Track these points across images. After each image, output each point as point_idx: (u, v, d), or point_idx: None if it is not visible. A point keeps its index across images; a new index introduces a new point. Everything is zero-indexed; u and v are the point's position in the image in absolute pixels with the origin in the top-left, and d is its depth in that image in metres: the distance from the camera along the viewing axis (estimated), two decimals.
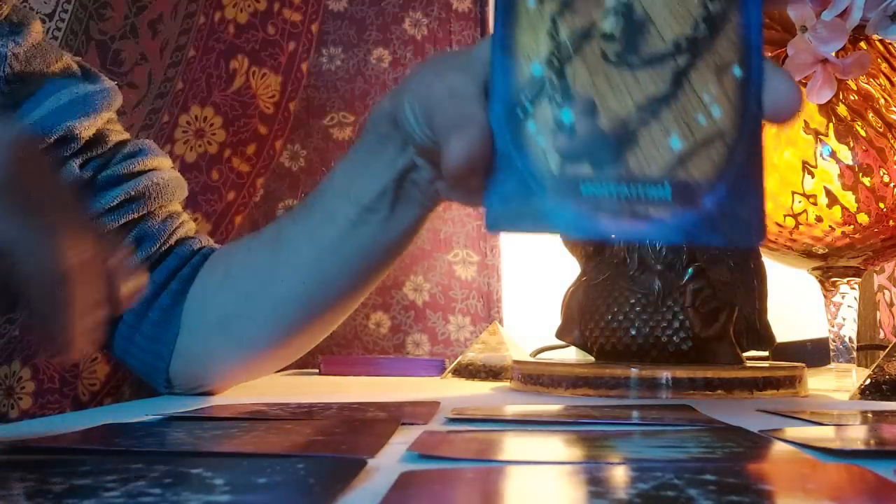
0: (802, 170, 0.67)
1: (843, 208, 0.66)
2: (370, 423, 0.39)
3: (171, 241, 0.56)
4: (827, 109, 0.67)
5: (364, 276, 0.51)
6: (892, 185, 0.66)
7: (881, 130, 0.66)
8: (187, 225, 0.58)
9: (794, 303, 0.86)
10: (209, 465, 0.26)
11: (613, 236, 0.32)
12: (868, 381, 0.56)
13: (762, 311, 0.63)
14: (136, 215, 0.54)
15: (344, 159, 0.48)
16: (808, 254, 0.70)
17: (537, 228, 0.32)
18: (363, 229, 0.47)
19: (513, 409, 0.49)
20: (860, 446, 0.34)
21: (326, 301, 0.51)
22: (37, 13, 0.86)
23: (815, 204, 0.67)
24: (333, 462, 0.28)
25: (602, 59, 0.33)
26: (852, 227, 0.67)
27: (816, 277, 0.71)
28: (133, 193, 0.54)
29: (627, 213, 0.31)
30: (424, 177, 0.45)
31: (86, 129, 0.53)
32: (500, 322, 0.96)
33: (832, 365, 0.69)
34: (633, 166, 0.32)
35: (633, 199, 0.31)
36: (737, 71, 0.33)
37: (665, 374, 0.57)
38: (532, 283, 1.02)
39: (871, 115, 0.66)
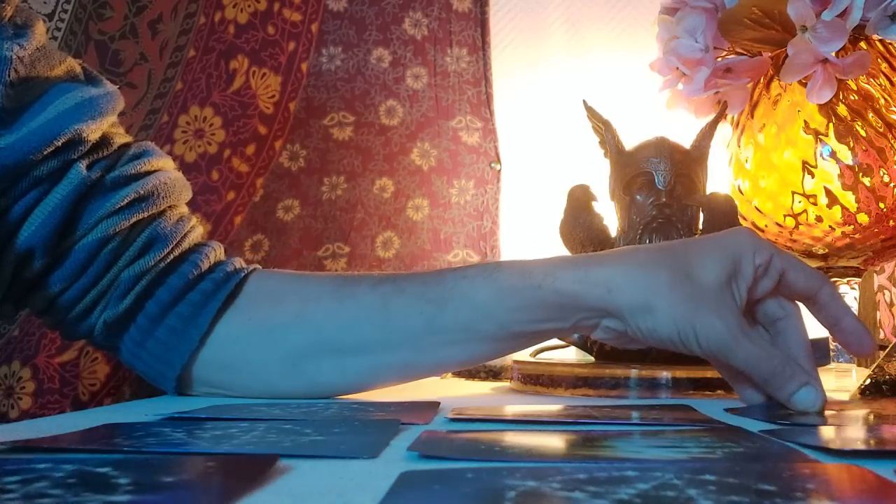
0: (802, 170, 0.67)
1: (843, 208, 0.66)
2: (370, 423, 0.39)
3: (185, 245, 0.56)
4: (827, 109, 0.67)
5: (476, 363, 0.58)
6: (892, 185, 0.66)
7: (881, 130, 0.66)
8: (197, 229, 0.58)
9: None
10: (117, 465, 0.26)
11: None
12: (868, 381, 0.56)
13: None
14: (145, 214, 0.54)
15: (490, 282, 0.50)
16: (808, 254, 0.70)
17: None
18: (501, 346, 0.52)
19: (513, 409, 0.49)
20: (860, 446, 0.34)
21: (427, 373, 0.56)
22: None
23: (815, 204, 0.67)
24: (245, 460, 0.29)
25: None
26: (852, 227, 0.67)
27: None
28: (142, 192, 0.54)
29: None
30: (601, 336, 0.50)
31: (92, 131, 0.52)
32: None
33: (832, 365, 0.69)
34: None
35: None
36: None
37: (665, 374, 0.57)
38: None
39: (871, 115, 0.66)
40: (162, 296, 0.54)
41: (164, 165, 0.57)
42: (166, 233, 0.55)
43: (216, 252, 0.58)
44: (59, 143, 0.51)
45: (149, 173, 0.55)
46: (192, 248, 0.57)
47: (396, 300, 0.52)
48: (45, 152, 0.50)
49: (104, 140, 0.54)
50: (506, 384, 0.70)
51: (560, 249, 0.69)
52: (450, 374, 0.78)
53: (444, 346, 0.52)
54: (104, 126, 0.54)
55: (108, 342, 0.56)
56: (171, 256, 0.55)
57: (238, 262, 0.58)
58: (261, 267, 0.59)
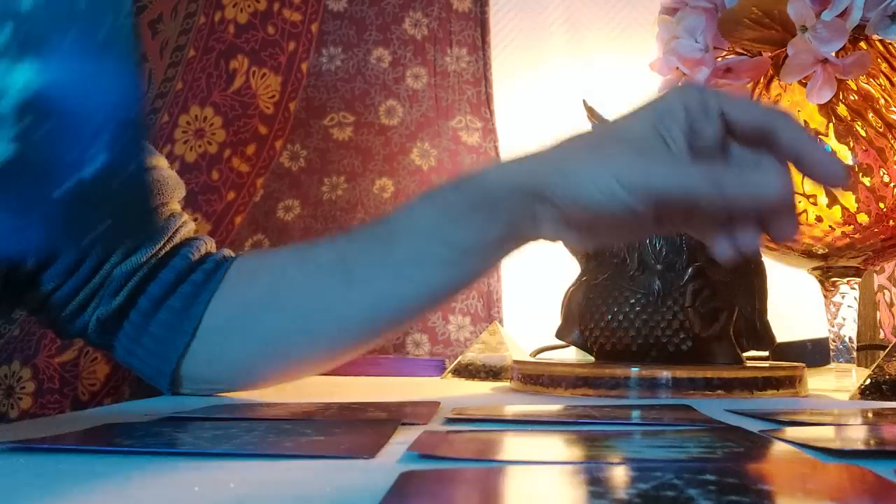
0: None
1: (843, 208, 0.66)
2: (370, 423, 0.39)
3: (176, 240, 0.56)
4: (827, 109, 0.67)
5: (441, 300, 0.53)
6: (892, 185, 0.66)
7: (881, 130, 0.66)
8: (189, 225, 0.58)
9: (794, 303, 0.86)
10: None
11: None
12: (868, 381, 0.56)
13: (762, 311, 0.63)
14: None
15: (429, 203, 0.50)
16: (808, 254, 0.70)
17: None
18: (455, 269, 0.50)
19: (513, 409, 0.49)
20: (860, 446, 0.34)
21: (394, 322, 0.54)
22: None
23: (815, 204, 0.67)
24: None
25: None
26: (852, 227, 0.67)
27: (816, 277, 0.71)
28: None
29: None
30: (545, 232, 0.46)
31: None
32: (500, 322, 0.96)
33: (832, 365, 0.69)
34: None
35: None
36: None
37: (665, 374, 0.57)
38: (532, 283, 1.02)
39: (871, 115, 0.66)
40: (153, 290, 0.54)
41: (157, 163, 0.57)
42: (157, 229, 0.55)
43: (207, 245, 0.58)
44: None
45: None
46: (183, 243, 0.57)
47: (350, 248, 0.52)
48: None
49: None
50: (506, 384, 0.70)
51: (561, 250, 0.69)
52: (450, 374, 0.78)
53: (402, 282, 0.51)
54: None
55: (102, 340, 0.56)
56: (163, 252, 0.55)
57: (227, 252, 0.58)
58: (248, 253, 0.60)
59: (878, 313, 0.97)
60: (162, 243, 0.55)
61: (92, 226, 0.28)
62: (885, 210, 0.66)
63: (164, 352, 0.54)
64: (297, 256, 0.55)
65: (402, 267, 0.51)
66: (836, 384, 0.65)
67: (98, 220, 0.28)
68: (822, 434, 0.38)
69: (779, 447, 0.32)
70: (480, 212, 0.47)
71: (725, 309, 0.62)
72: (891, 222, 0.66)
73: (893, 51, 0.68)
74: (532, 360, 0.71)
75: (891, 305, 0.97)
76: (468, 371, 0.76)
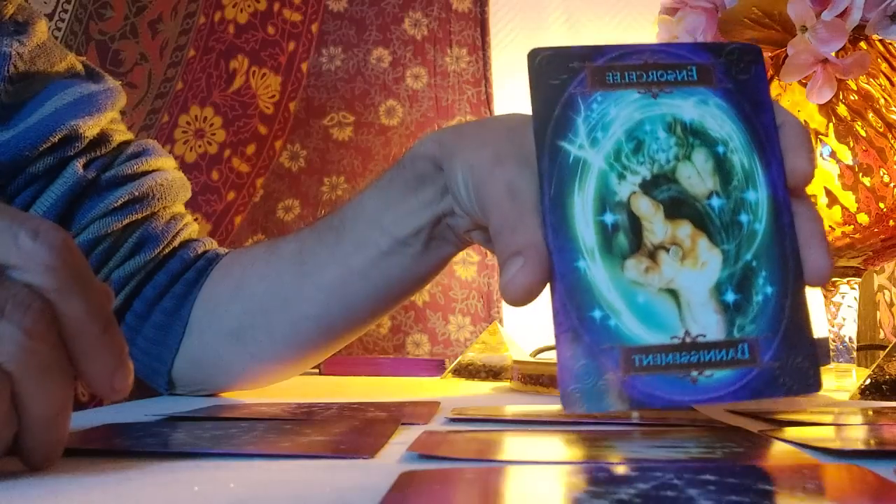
0: None
1: (843, 208, 0.66)
2: (370, 423, 0.39)
3: (175, 243, 0.56)
4: (827, 109, 0.67)
5: (387, 302, 0.51)
6: (892, 185, 0.66)
7: (881, 130, 0.66)
8: (191, 227, 0.58)
9: None
10: None
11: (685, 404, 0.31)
12: (868, 381, 0.56)
13: None
14: (139, 216, 0.54)
15: (375, 187, 0.48)
16: None
17: (614, 408, 0.31)
18: (395, 260, 0.48)
19: (513, 409, 0.49)
20: (860, 446, 0.34)
21: (346, 323, 0.52)
22: None
23: (814, 204, 0.67)
24: None
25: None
26: (852, 227, 0.67)
27: None
28: (137, 194, 0.54)
29: (688, 378, 0.31)
30: (461, 224, 0.44)
31: (90, 128, 0.52)
32: (500, 322, 0.96)
33: (832, 365, 0.69)
34: (690, 329, 0.31)
35: (691, 363, 0.31)
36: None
37: None
38: None
39: (871, 115, 0.66)
40: (147, 293, 0.54)
41: (162, 165, 0.57)
42: (157, 233, 0.55)
43: (206, 245, 0.58)
44: (56, 140, 0.51)
45: (146, 173, 0.55)
46: (183, 244, 0.56)
47: (309, 238, 0.51)
48: (41, 149, 0.50)
49: (102, 137, 0.54)
50: (506, 384, 0.70)
51: None
52: (450, 374, 0.78)
53: (347, 273, 0.49)
54: (102, 122, 0.54)
55: None
56: (162, 255, 0.55)
57: (222, 250, 0.58)
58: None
59: (878, 313, 0.97)
60: (161, 247, 0.55)
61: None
62: (885, 210, 0.66)
63: (159, 352, 0.54)
64: (268, 248, 0.54)
65: (348, 257, 0.49)
66: (836, 384, 0.65)
67: None
68: (822, 434, 0.38)
69: (779, 447, 0.32)
70: (409, 190, 0.45)
71: None
72: (891, 222, 0.67)
73: (893, 51, 0.68)
74: (532, 360, 0.71)
75: (891, 305, 0.97)
76: (468, 371, 0.76)
